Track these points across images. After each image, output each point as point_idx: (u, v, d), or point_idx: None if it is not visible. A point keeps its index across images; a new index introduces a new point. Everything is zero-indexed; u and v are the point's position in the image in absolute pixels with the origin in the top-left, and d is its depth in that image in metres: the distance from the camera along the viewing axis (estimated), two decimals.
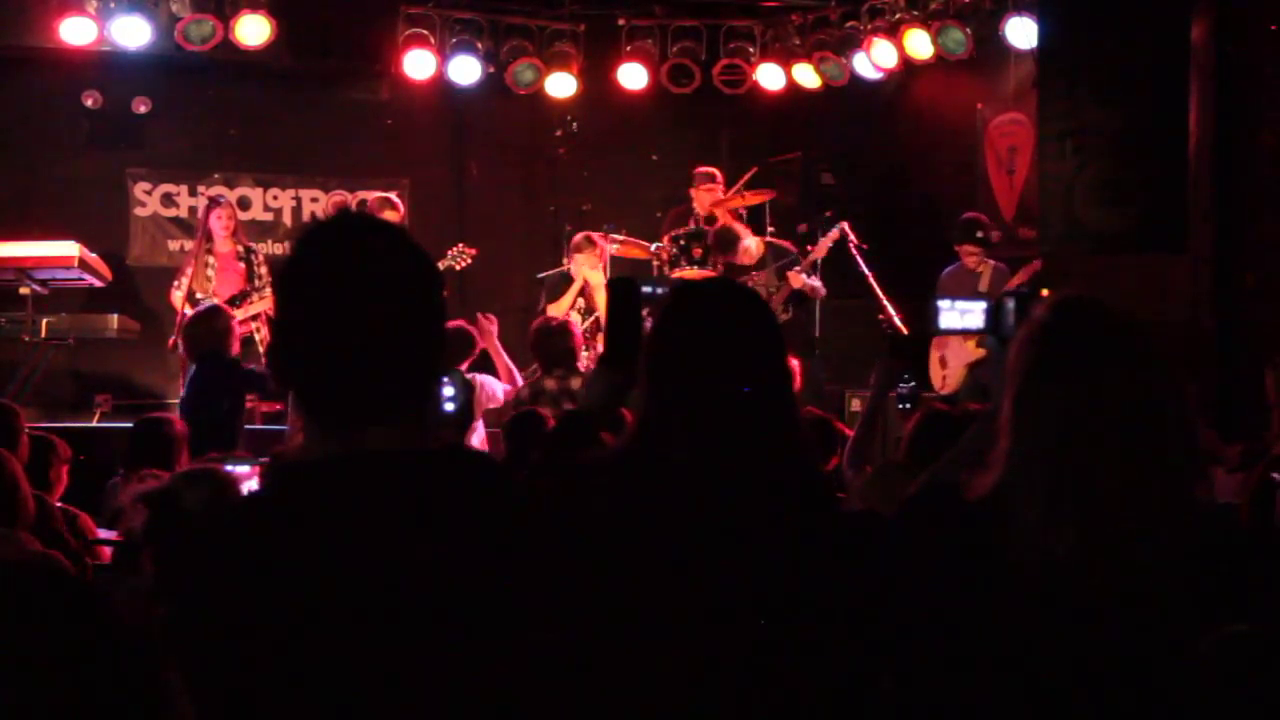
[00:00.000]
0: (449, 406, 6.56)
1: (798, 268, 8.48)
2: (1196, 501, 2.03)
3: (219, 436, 5.60)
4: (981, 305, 2.90)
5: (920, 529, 2.16)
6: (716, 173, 9.30)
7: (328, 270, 1.60)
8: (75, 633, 1.30)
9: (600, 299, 8.36)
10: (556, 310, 8.36)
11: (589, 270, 8.43)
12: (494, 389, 6.93)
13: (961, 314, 2.99)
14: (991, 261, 8.28)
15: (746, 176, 8.92)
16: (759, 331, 2.21)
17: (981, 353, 8.01)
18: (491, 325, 7.37)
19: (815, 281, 8.58)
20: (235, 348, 6.82)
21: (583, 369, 6.86)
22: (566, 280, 8.52)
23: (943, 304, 2.97)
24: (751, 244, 8.72)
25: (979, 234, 8.24)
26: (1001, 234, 8.94)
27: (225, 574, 1.55)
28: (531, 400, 6.33)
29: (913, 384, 4.08)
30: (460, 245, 8.49)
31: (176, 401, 7.86)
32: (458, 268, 8.44)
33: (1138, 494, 1.97)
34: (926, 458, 3.57)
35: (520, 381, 6.89)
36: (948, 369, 8.38)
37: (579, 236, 8.62)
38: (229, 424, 6.35)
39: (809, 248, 8.65)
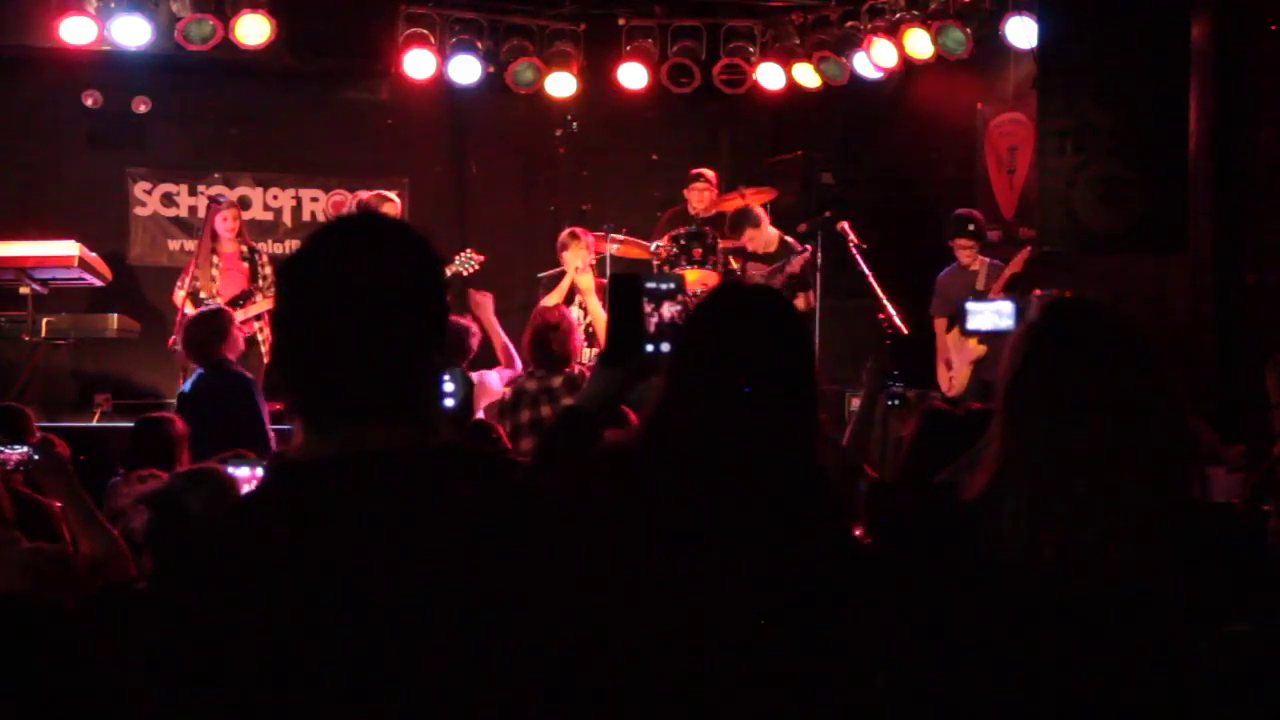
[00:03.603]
0: (448, 402, 6.55)
1: (780, 270, 8.58)
2: (1191, 501, 2.02)
3: (225, 440, 5.56)
4: (1011, 306, 2.91)
5: (916, 529, 2.16)
6: (709, 173, 9.31)
7: (324, 268, 1.60)
8: (37, 669, 1.29)
9: (591, 302, 8.37)
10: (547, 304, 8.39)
11: (579, 269, 8.46)
12: (492, 384, 6.91)
13: (992, 314, 2.99)
14: (985, 258, 8.32)
15: (733, 195, 8.98)
16: (793, 338, 2.26)
17: (983, 350, 8.02)
18: (487, 300, 7.30)
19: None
20: (235, 350, 6.79)
21: (571, 369, 6.85)
22: (559, 277, 8.57)
23: (972, 305, 2.97)
24: (772, 235, 8.88)
25: (970, 227, 8.29)
26: (1000, 231, 8.95)
27: (223, 574, 1.54)
28: (514, 400, 6.35)
29: (900, 384, 4.11)
30: (469, 250, 8.48)
31: (174, 401, 7.87)
32: (465, 273, 8.44)
33: (1123, 495, 1.97)
34: (928, 457, 3.58)
35: (518, 363, 6.86)
36: (954, 369, 8.39)
37: (564, 233, 8.67)
38: (244, 428, 6.29)
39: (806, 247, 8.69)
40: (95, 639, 1.39)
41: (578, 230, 8.63)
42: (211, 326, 6.65)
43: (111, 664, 1.40)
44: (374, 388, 1.58)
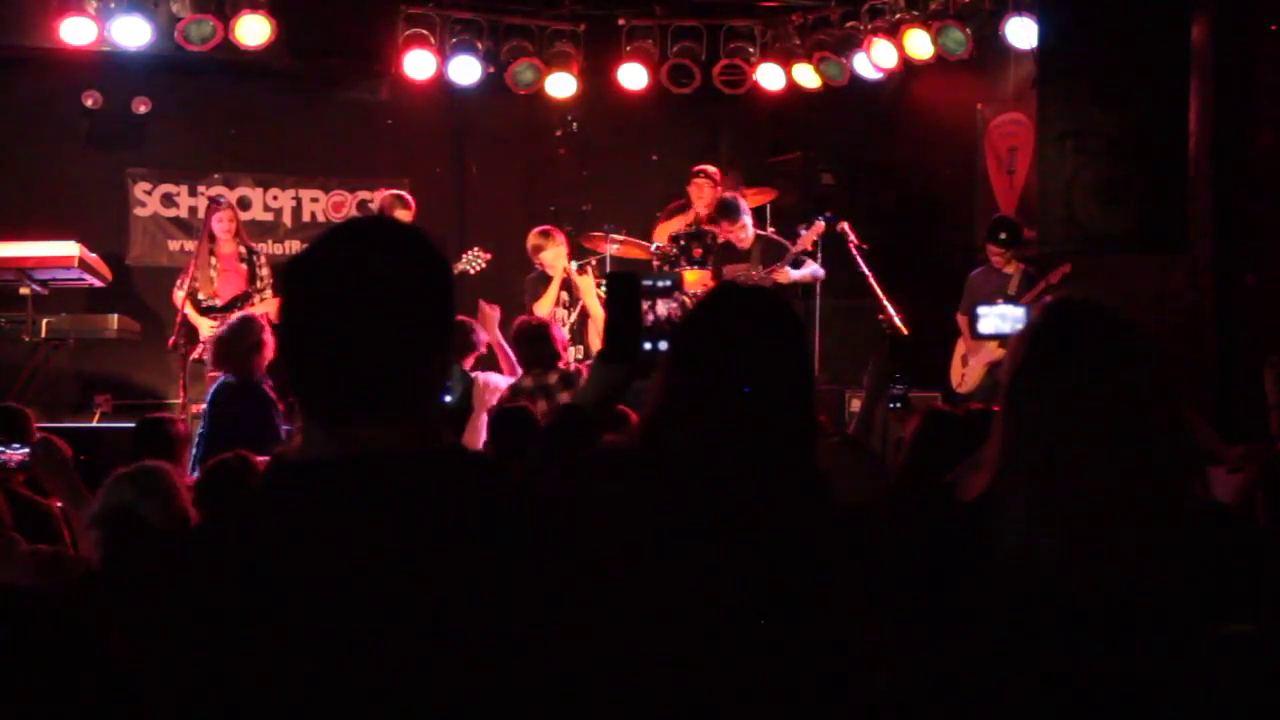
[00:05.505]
0: (446, 398, 6.57)
1: (780, 263, 8.49)
2: (1191, 501, 2.02)
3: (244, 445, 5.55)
4: (1021, 311, 2.92)
5: (915, 528, 2.17)
6: (712, 169, 9.31)
7: (329, 268, 1.60)
8: (48, 664, 1.29)
9: (591, 301, 8.39)
10: (541, 309, 8.38)
11: (564, 262, 8.47)
12: (498, 385, 6.95)
13: (1001, 319, 2.99)
14: (1021, 265, 8.27)
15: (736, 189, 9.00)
16: (790, 337, 2.26)
17: (1001, 353, 8.00)
18: (494, 313, 7.33)
19: (807, 269, 8.56)
20: (266, 359, 6.79)
21: (565, 365, 6.89)
22: (545, 279, 8.52)
23: (982, 310, 2.98)
24: (749, 231, 8.74)
25: (1001, 235, 8.23)
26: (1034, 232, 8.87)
27: (220, 576, 1.54)
28: (510, 398, 6.40)
29: (904, 385, 4.12)
30: (476, 249, 8.47)
31: (178, 402, 7.87)
32: (472, 272, 8.44)
33: (1123, 495, 1.97)
34: (929, 458, 3.59)
35: (520, 373, 6.92)
36: (968, 367, 8.39)
37: (533, 235, 8.55)
38: (257, 434, 6.27)
39: (792, 243, 8.64)
40: (90, 627, 1.38)
41: (549, 228, 8.59)
42: (248, 340, 6.63)
43: (104, 657, 1.39)
44: (377, 388, 1.58)
